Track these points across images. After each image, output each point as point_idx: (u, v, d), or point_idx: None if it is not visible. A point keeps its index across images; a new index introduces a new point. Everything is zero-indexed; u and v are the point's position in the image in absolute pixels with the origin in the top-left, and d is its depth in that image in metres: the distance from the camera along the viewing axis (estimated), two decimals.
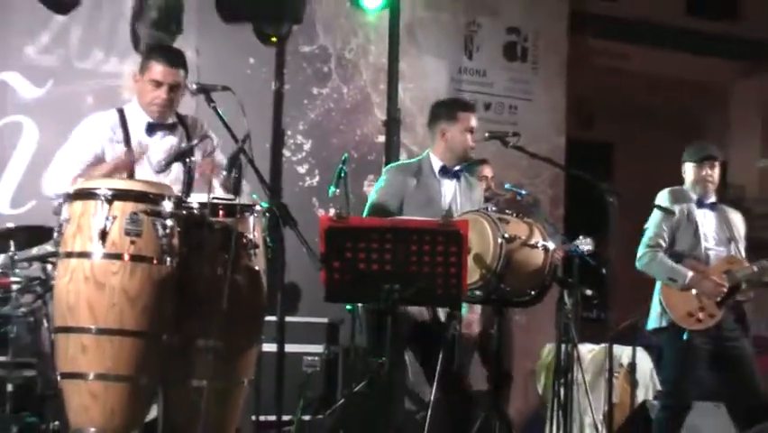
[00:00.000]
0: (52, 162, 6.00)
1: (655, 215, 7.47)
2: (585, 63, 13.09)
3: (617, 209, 6.36)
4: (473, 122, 6.74)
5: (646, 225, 7.53)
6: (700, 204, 7.48)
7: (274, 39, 10.22)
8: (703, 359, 7.31)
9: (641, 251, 7.46)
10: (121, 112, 6.02)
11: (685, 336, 7.23)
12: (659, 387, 9.94)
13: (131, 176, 5.84)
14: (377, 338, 5.95)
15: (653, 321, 7.47)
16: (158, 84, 5.91)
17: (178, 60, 6.02)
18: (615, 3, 13.91)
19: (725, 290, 7.26)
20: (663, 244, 7.41)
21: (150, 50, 6.35)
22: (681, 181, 7.69)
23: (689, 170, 7.56)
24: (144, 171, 5.90)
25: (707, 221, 7.47)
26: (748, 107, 15.07)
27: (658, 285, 7.44)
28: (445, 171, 6.68)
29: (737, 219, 7.60)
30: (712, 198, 7.54)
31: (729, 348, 7.29)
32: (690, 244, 7.40)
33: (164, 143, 6.00)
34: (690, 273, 7.28)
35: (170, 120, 6.03)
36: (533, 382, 10.47)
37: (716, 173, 7.51)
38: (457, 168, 6.72)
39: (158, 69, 5.93)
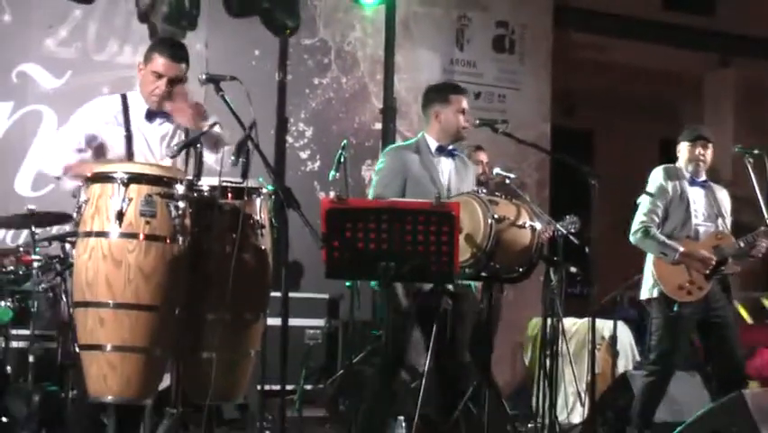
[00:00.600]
0: (34, 144, 5.99)
1: (649, 190, 7.46)
2: (568, 55, 13.09)
3: (597, 191, 6.36)
4: (464, 103, 6.73)
5: (638, 201, 7.52)
6: (692, 182, 7.49)
7: (288, 30, 10.23)
8: (690, 329, 7.35)
9: (635, 226, 7.47)
10: (124, 97, 5.97)
11: (675, 308, 7.25)
12: (638, 358, 9.97)
13: (129, 149, 5.84)
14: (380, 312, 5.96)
15: (645, 292, 7.48)
16: (159, 76, 5.86)
17: (181, 55, 5.95)
18: None
19: (713, 263, 7.29)
20: (657, 220, 7.41)
21: (154, 43, 6.23)
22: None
23: (683, 149, 7.56)
24: (142, 153, 5.88)
25: (698, 198, 7.48)
26: (721, 96, 15.08)
27: (650, 258, 7.44)
28: (441, 150, 6.66)
29: (724, 197, 7.61)
30: (703, 177, 7.55)
31: (714, 317, 7.32)
32: (682, 220, 7.41)
33: (162, 129, 5.97)
34: (681, 248, 7.29)
35: (168, 107, 5.99)
36: (520, 354, 10.49)
37: (708, 153, 7.52)
38: (451, 147, 6.71)
39: (160, 62, 5.87)
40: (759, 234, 7.32)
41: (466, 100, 6.78)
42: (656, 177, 7.51)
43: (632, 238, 7.49)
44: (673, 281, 7.30)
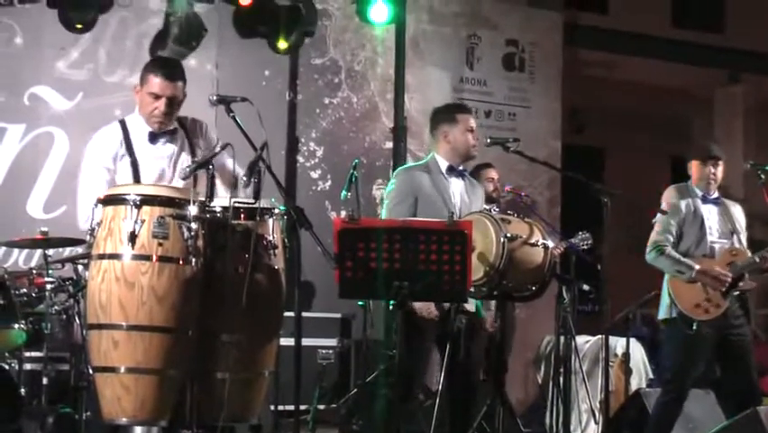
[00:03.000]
0: (78, 198, 5.92)
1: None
2: (578, 73, 13.09)
3: (609, 209, 6.35)
4: (472, 122, 6.73)
5: (654, 220, 7.49)
6: (705, 199, 7.45)
7: (284, 46, 10.21)
8: (708, 348, 7.28)
9: (650, 245, 7.41)
10: (123, 123, 5.94)
11: (694, 327, 7.19)
12: (651, 375, 9.94)
13: (136, 174, 5.82)
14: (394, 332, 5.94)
15: (663, 311, 7.40)
16: (156, 97, 5.83)
17: (176, 73, 5.90)
18: (605, 16, 13.92)
19: (729, 280, 7.24)
20: (671, 239, 7.36)
21: (148, 63, 6.12)
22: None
23: (694, 167, 7.51)
24: (150, 177, 5.86)
25: (711, 215, 7.43)
26: (731, 113, 15.07)
27: (666, 277, 7.40)
28: (451, 170, 6.66)
29: (738, 212, 7.56)
30: (715, 194, 7.51)
31: (732, 335, 7.27)
32: (697, 238, 7.36)
33: (166, 149, 5.95)
34: (697, 266, 7.24)
35: (171, 126, 5.98)
36: (533, 372, 10.46)
37: (719, 171, 7.48)
38: (462, 168, 6.71)
39: (155, 82, 5.83)
40: None
41: (473, 119, 6.79)
42: (668, 196, 7.48)
43: (647, 257, 7.45)
44: (690, 300, 7.25)
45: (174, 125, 5.97)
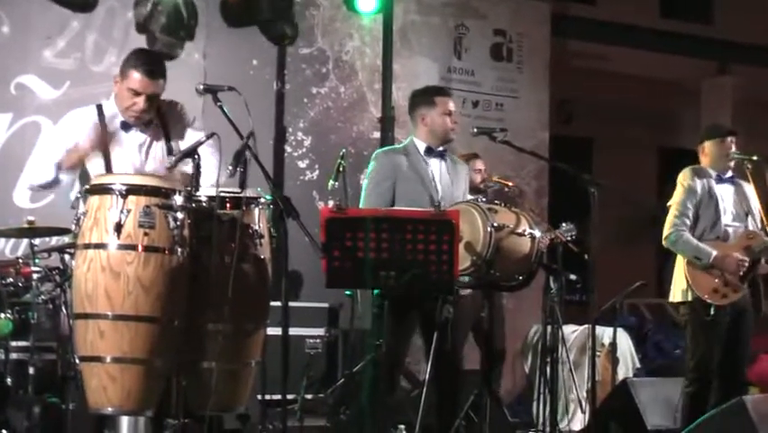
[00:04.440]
0: (33, 155, 5.96)
1: (679, 193, 7.39)
2: (566, 63, 13.10)
3: (597, 199, 6.35)
4: (451, 105, 6.72)
5: (669, 203, 7.45)
6: (720, 179, 7.41)
7: (287, 40, 10.23)
8: (723, 333, 7.24)
9: (667, 230, 7.34)
10: (99, 108, 5.92)
11: (712, 311, 7.16)
12: (638, 365, 9.98)
13: (107, 161, 5.80)
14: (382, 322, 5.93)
15: (678, 294, 7.33)
16: (136, 93, 5.79)
17: (159, 71, 5.84)
18: (593, 6, 13.92)
19: (746, 265, 7.22)
20: (689, 223, 7.30)
21: (131, 57, 5.98)
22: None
23: (712, 146, 7.44)
24: (120, 164, 5.83)
25: (726, 196, 7.37)
26: (719, 104, 15.08)
27: (681, 261, 7.35)
28: (430, 152, 6.65)
29: (751, 192, 7.50)
30: (730, 173, 7.49)
31: (741, 322, 7.25)
32: (712, 220, 7.30)
33: (138, 137, 5.93)
34: (714, 252, 7.20)
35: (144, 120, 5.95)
36: (520, 362, 10.48)
37: (734, 148, 7.45)
38: (441, 148, 6.69)
39: (136, 79, 5.78)
40: None
41: (452, 102, 6.77)
42: (684, 177, 7.41)
43: (665, 243, 7.39)
44: (708, 286, 7.20)
45: (149, 115, 5.94)
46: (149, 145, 5.93)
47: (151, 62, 5.91)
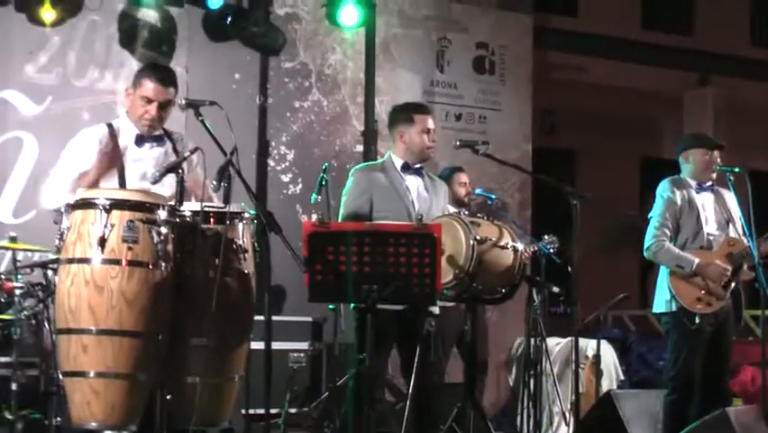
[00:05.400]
0: (48, 178, 5.99)
1: (658, 204, 7.42)
2: (548, 75, 13.16)
3: (579, 211, 6.38)
4: (430, 123, 6.71)
5: (650, 215, 7.48)
6: (700, 188, 7.44)
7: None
8: (706, 343, 7.27)
9: (648, 241, 7.37)
10: (110, 126, 5.99)
11: (697, 320, 7.19)
12: (622, 377, 10.00)
13: (122, 177, 5.85)
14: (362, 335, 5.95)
15: (662, 305, 7.33)
16: (149, 101, 5.88)
17: (170, 79, 5.98)
18: (575, 18, 14.00)
19: (729, 273, 7.25)
20: (669, 234, 7.33)
21: (143, 68, 6.24)
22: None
23: (696, 155, 7.44)
24: (133, 179, 5.90)
25: (707, 205, 7.40)
26: (701, 115, 15.17)
27: (665, 271, 7.37)
28: (407, 168, 6.66)
29: (731, 200, 7.50)
30: (710, 182, 7.50)
31: (723, 332, 7.29)
32: (694, 230, 7.32)
33: (153, 153, 5.97)
34: (696, 260, 7.22)
35: (158, 132, 6.01)
36: (504, 375, 10.50)
37: (719, 161, 7.48)
38: (418, 165, 6.70)
39: (149, 87, 5.89)
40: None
41: (431, 120, 6.76)
42: (663, 189, 7.44)
43: (646, 253, 7.42)
44: (691, 294, 7.23)
45: (160, 132, 6.00)
46: (164, 160, 5.95)
47: (163, 71, 6.07)
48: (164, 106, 5.91)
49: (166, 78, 5.97)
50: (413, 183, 6.64)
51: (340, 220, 6.60)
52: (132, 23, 9.74)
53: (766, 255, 7.30)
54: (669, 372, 7.36)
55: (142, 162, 5.92)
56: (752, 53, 15.93)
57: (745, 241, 7.30)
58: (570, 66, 14.10)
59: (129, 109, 5.99)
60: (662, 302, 7.37)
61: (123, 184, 5.82)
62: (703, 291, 7.22)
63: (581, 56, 14.10)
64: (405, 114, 6.74)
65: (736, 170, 7.41)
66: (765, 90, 15.36)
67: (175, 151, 5.99)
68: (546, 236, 8.63)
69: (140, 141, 5.94)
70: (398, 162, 6.64)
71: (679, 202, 7.36)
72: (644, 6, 15.42)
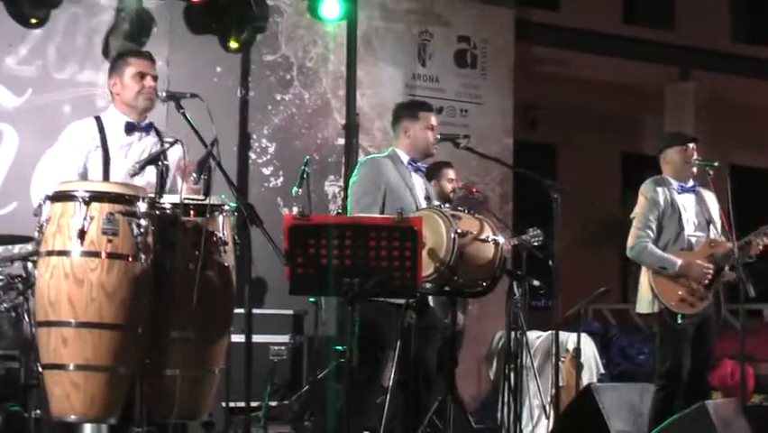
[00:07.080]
0: (35, 174, 5.98)
1: (641, 204, 7.43)
2: (530, 69, 13.17)
3: (560, 205, 6.40)
4: (433, 120, 6.78)
5: (632, 215, 7.50)
6: (681, 189, 7.46)
7: (235, 46, 10.19)
8: (690, 340, 7.31)
9: (631, 241, 7.40)
10: (98, 119, 5.97)
11: (680, 320, 7.22)
12: (602, 370, 10.03)
13: (105, 170, 5.82)
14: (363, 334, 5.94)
15: (645, 306, 7.39)
16: (142, 75, 5.87)
17: (152, 58, 6.03)
18: (557, 12, 14.02)
19: (711, 273, 7.27)
20: (652, 235, 7.35)
21: (122, 53, 6.21)
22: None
23: (675, 154, 7.49)
24: (121, 172, 5.87)
25: (688, 206, 7.43)
26: (682, 109, 15.22)
27: (647, 272, 7.37)
28: (413, 163, 6.69)
29: (711, 200, 7.54)
30: (691, 182, 7.52)
31: (705, 329, 7.32)
32: (675, 231, 7.34)
33: (142, 144, 5.96)
34: (679, 261, 7.26)
35: (145, 122, 5.98)
36: (485, 368, 10.52)
37: (695, 155, 7.49)
38: (420, 163, 6.74)
39: (140, 62, 5.90)
40: (758, 233, 7.30)
41: (435, 117, 6.83)
42: (646, 189, 7.46)
43: (629, 254, 7.44)
44: (674, 295, 7.25)
45: (147, 122, 5.97)
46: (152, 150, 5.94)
47: (143, 51, 6.18)
48: (155, 81, 5.92)
49: (149, 55, 6.03)
50: (417, 181, 6.70)
51: (349, 209, 6.62)
52: (114, 15, 9.70)
53: (751, 255, 7.35)
54: (658, 369, 7.39)
55: (131, 155, 5.90)
56: (733, 48, 15.99)
57: (727, 242, 7.33)
58: (551, 60, 14.12)
59: (121, 96, 5.93)
60: (644, 303, 7.41)
61: (106, 177, 5.80)
62: (686, 292, 7.25)
63: (563, 50, 14.13)
64: (410, 110, 6.83)
65: (715, 164, 7.43)
66: (746, 85, 15.44)
67: (162, 143, 5.96)
68: (531, 229, 8.64)
69: (129, 129, 5.91)
70: (405, 158, 6.68)
71: (662, 203, 7.38)
72: (626, 1, 15.46)
